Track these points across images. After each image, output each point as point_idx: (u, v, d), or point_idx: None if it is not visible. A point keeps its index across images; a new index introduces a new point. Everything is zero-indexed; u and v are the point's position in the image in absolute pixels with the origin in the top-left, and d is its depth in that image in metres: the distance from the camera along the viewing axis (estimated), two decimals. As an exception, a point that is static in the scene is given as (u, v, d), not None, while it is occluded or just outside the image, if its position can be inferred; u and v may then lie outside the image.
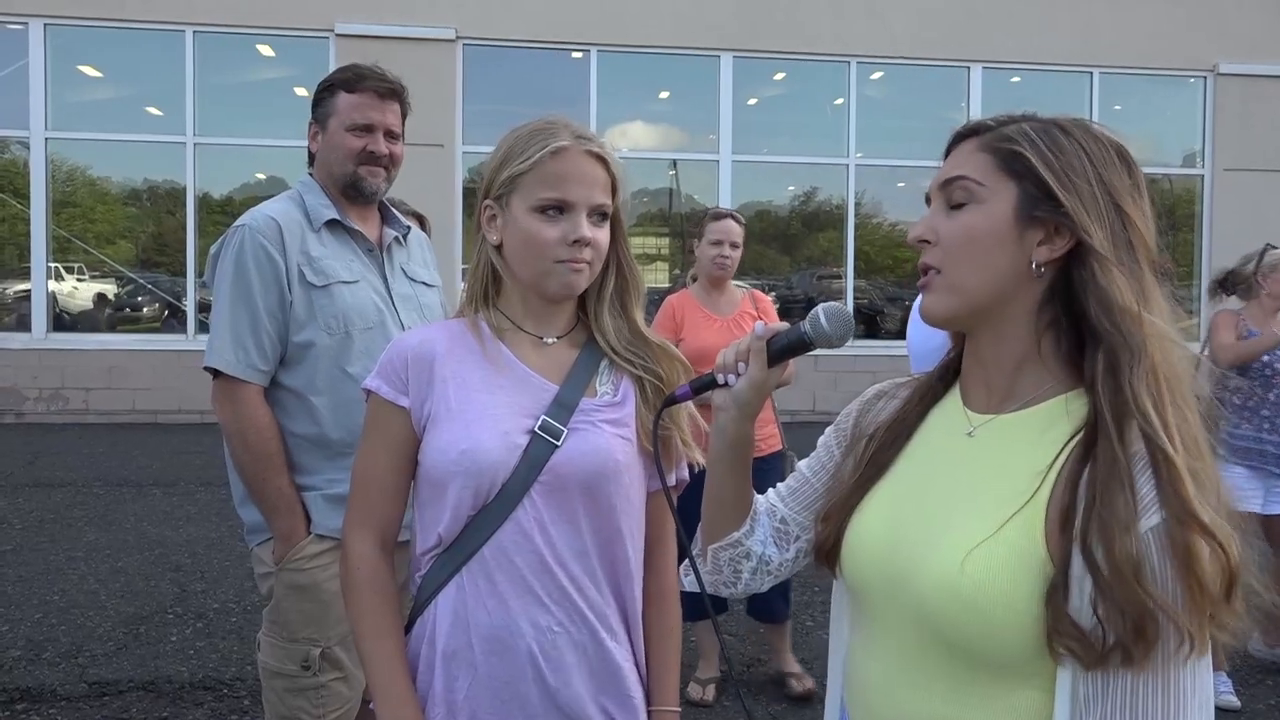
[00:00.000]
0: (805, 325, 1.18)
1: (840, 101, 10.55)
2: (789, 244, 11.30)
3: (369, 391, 1.43)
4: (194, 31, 9.56)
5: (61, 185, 9.95)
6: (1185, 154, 11.32)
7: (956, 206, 1.06)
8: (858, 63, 10.41)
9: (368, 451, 1.43)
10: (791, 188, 11.28)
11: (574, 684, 1.36)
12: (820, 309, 1.17)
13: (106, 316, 10.33)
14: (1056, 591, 0.91)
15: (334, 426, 2.09)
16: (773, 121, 10.88)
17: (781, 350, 1.18)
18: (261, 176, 10.69)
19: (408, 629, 1.42)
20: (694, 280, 3.81)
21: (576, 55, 10.12)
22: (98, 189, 10.33)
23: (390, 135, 2.25)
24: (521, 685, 1.35)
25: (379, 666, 1.36)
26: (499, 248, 1.42)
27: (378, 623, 1.39)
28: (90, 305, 10.29)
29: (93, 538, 5.56)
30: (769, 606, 3.62)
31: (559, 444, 1.36)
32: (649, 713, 1.45)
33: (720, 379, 1.21)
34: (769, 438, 3.58)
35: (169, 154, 9.78)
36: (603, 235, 1.40)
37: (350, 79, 2.24)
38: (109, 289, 10.35)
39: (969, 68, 10.53)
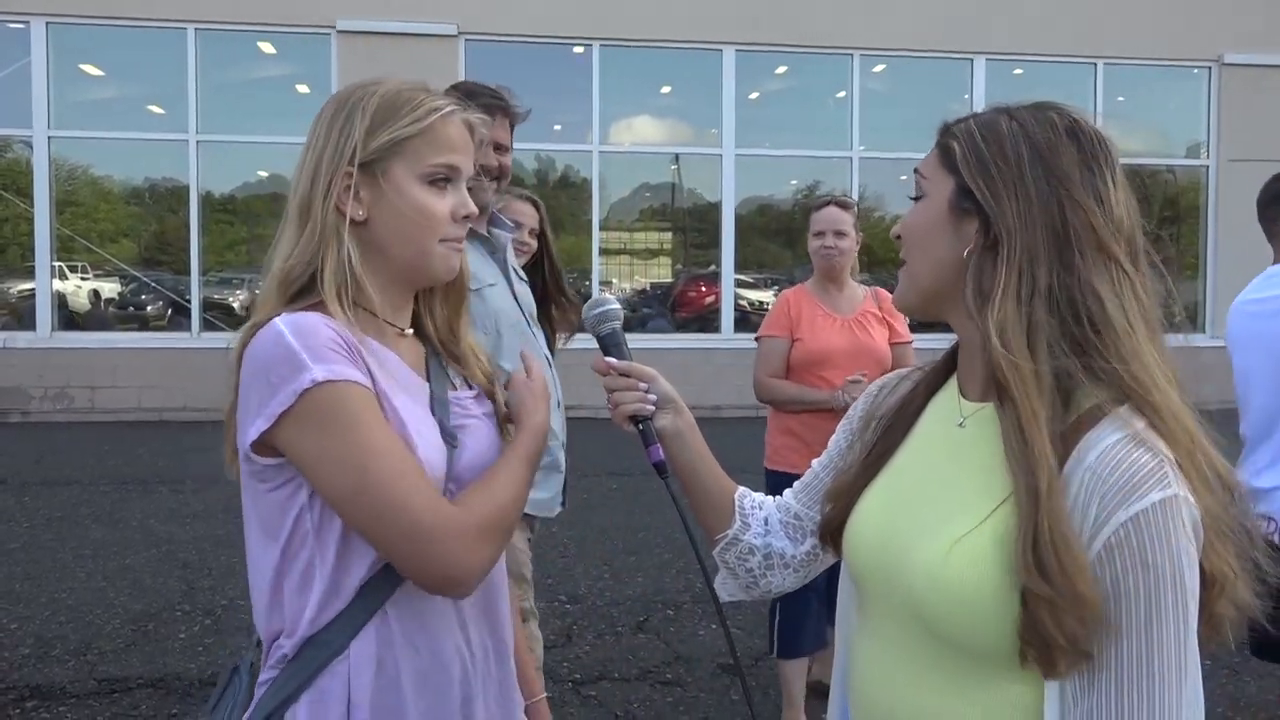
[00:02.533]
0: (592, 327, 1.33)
1: (843, 95, 10.53)
2: (792, 238, 11.29)
3: (319, 384, 1.07)
4: (196, 29, 9.56)
5: (64, 184, 9.96)
6: (1190, 145, 11.29)
7: (916, 199, 1.10)
8: (860, 55, 10.39)
9: (385, 435, 1.10)
10: (794, 181, 11.27)
11: (490, 705, 1.25)
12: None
13: (111, 315, 10.35)
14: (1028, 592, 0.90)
15: None
16: (775, 115, 10.87)
17: (613, 353, 1.30)
18: (264, 174, 10.70)
19: (298, 692, 1.13)
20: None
21: (578, 50, 10.11)
22: (100, 187, 10.34)
23: (499, 148, 2.39)
24: None
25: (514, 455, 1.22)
26: (364, 224, 1.19)
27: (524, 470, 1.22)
28: (94, 304, 10.31)
29: (100, 535, 5.57)
30: (816, 632, 3.20)
31: (456, 446, 1.20)
32: (531, 705, 1.41)
33: (640, 426, 1.27)
34: None
35: (171, 152, 9.79)
36: (476, 209, 1.30)
37: (463, 96, 2.37)
38: (113, 287, 10.37)
39: (972, 60, 10.50)
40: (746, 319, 10.80)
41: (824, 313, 3.29)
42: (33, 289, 9.60)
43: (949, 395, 1.12)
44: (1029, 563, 0.88)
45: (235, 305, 10.37)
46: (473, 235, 2.30)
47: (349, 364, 1.10)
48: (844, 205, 3.31)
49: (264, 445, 1.11)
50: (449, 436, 1.20)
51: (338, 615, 1.13)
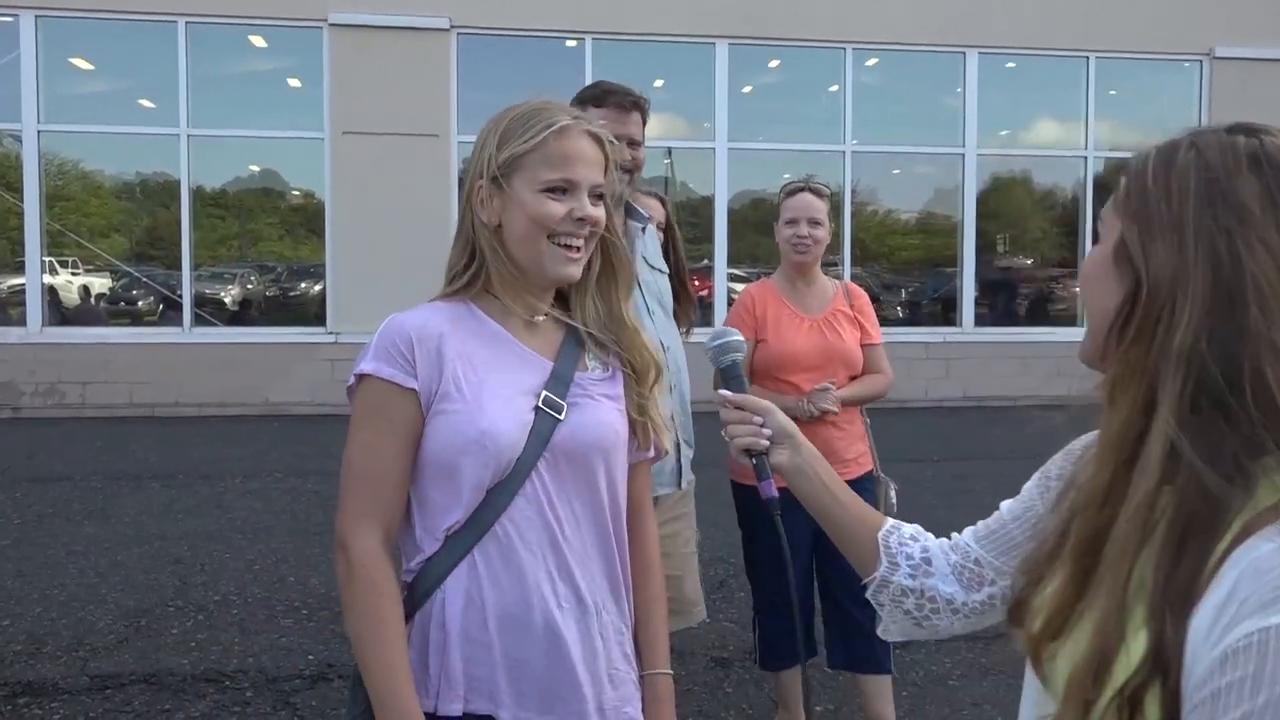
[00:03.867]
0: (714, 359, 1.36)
1: (836, 88, 10.52)
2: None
3: (363, 376, 1.37)
4: (186, 22, 9.50)
5: (54, 179, 9.90)
6: (1181, 138, 11.31)
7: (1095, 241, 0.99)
8: (853, 49, 10.38)
9: (369, 441, 1.36)
10: (788, 175, 11.17)
11: (577, 656, 1.38)
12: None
13: (102, 310, 10.31)
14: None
15: None
16: (768, 109, 10.85)
17: (732, 385, 1.31)
18: (255, 169, 10.66)
19: (408, 616, 1.38)
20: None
21: (571, 44, 10.08)
22: (91, 182, 10.29)
23: (632, 144, 2.54)
24: (533, 661, 1.36)
25: (382, 677, 1.31)
26: (497, 229, 1.40)
27: (381, 630, 1.32)
28: (85, 299, 10.26)
29: (92, 531, 5.56)
30: (866, 652, 2.95)
31: (561, 418, 1.38)
32: (641, 677, 1.48)
33: (754, 461, 1.27)
34: (859, 456, 3.06)
35: (162, 146, 9.74)
36: (602, 214, 1.42)
37: (598, 95, 2.56)
38: (104, 283, 10.33)
39: (965, 53, 10.50)
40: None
41: (791, 311, 3.04)
42: (23, 284, 9.55)
43: None
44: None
45: (227, 300, 10.34)
46: None
47: (394, 366, 1.35)
48: (819, 192, 3.06)
49: None
50: (553, 408, 1.39)
51: (433, 555, 1.37)
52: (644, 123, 2.61)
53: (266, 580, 4.77)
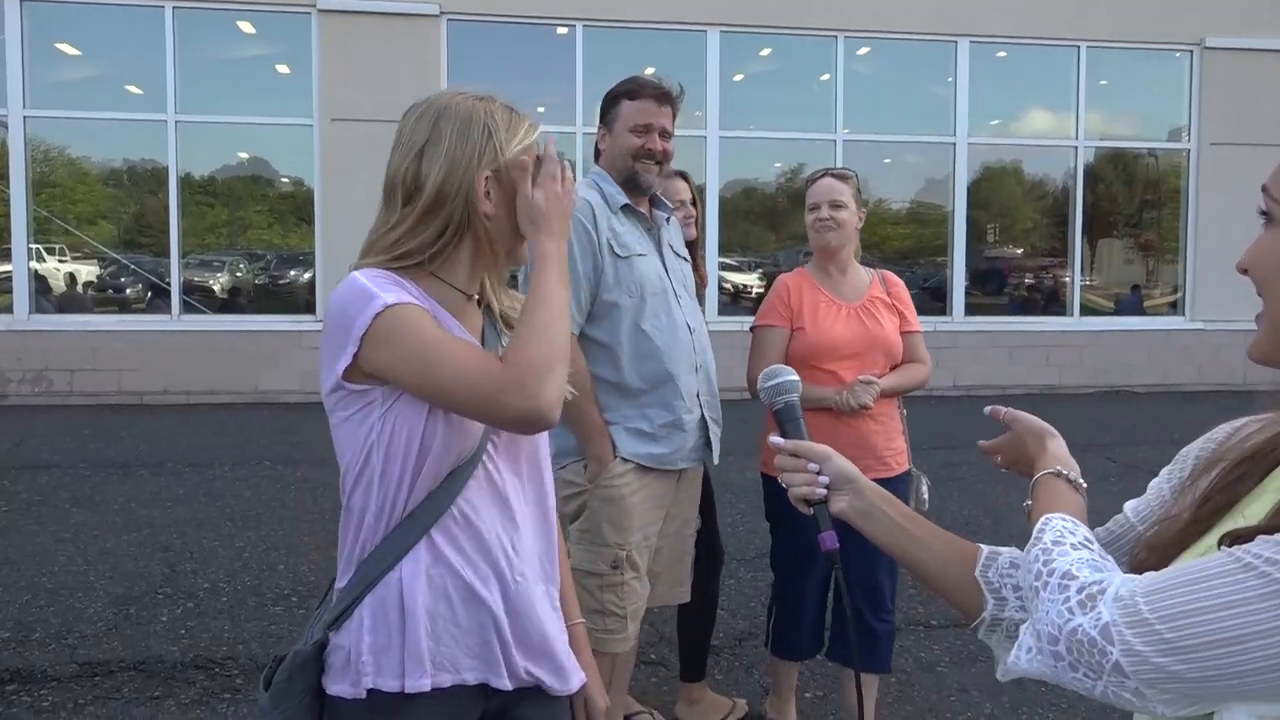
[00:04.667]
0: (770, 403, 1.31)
1: (827, 77, 10.51)
2: (776, 220, 11.29)
3: (391, 306, 1.32)
4: (173, 8, 9.43)
5: (40, 165, 9.83)
6: (1171, 129, 11.34)
7: (1265, 223, 0.89)
8: (845, 37, 10.36)
9: (456, 341, 1.34)
10: (779, 164, 11.25)
11: (531, 628, 1.46)
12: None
13: (89, 298, 10.25)
14: None
15: (631, 373, 2.59)
16: (760, 97, 10.83)
17: (791, 433, 1.25)
18: (244, 156, 10.59)
19: (350, 605, 1.39)
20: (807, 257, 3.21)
21: (562, 31, 10.04)
22: (78, 168, 10.20)
23: (664, 134, 2.69)
24: (490, 634, 1.42)
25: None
26: (489, 218, 1.44)
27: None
28: (73, 286, 10.20)
29: (80, 519, 5.54)
30: (871, 652, 2.93)
31: None
32: (572, 627, 1.61)
33: (812, 510, 1.20)
34: (897, 453, 2.99)
35: (150, 133, 9.67)
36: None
37: (633, 89, 2.71)
38: (91, 270, 10.26)
39: (956, 42, 10.49)
40: (731, 302, 10.82)
41: (828, 299, 2.98)
42: (9, 271, 9.49)
43: None
44: None
45: (216, 288, 10.29)
46: (631, 212, 2.67)
47: (408, 294, 1.36)
48: (841, 176, 3.02)
49: (355, 370, 1.35)
50: None
51: (387, 536, 1.39)
52: (674, 114, 2.74)
53: (256, 567, 4.76)
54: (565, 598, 1.61)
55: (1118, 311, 11.36)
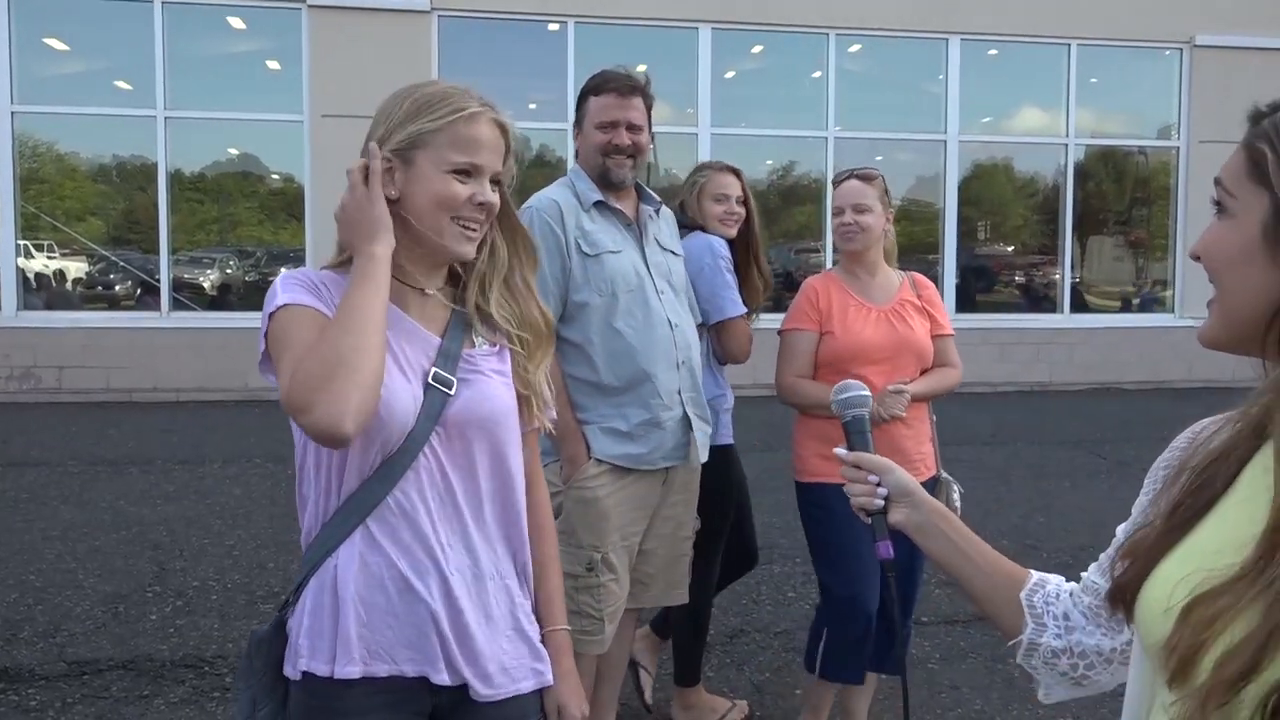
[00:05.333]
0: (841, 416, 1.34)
1: (819, 74, 10.51)
2: (767, 218, 11.15)
3: (281, 308, 1.36)
4: (163, 3, 9.36)
5: (28, 161, 9.76)
6: (1161, 126, 11.38)
7: (1222, 211, 0.92)
8: (836, 35, 10.37)
9: (303, 339, 1.33)
10: (770, 161, 11.25)
11: (473, 620, 1.44)
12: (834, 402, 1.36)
13: (78, 294, 10.19)
14: None
15: (606, 372, 2.57)
16: (751, 94, 10.83)
17: (856, 445, 1.30)
18: (234, 152, 10.55)
19: (298, 588, 1.44)
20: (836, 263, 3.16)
21: (553, 27, 10.02)
22: (66, 164, 10.14)
23: (632, 128, 2.66)
24: (427, 627, 1.41)
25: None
26: (396, 201, 1.42)
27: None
28: (61, 283, 10.14)
29: (69, 517, 5.51)
30: (894, 658, 2.92)
31: (452, 394, 1.43)
32: (543, 635, 1.56)
33: (871, 520, 1.25)
34: (925, 457, 2.93)
35: (139, 128, 9.61)
36: (498, 200, 1.48)
37: (597, 84, 2.68)
38: (80, 266, 10.20)
39: (947, 40, 10.51)
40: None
41: (856, 302, 2.91)
42: (-3, 267, 9.43)
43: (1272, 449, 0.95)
44: None
45: (205, 285, 10.25)
46: (606, 209, 2.64)
47: (313, 297, 1.38)
48: (866, 178, 2.93)
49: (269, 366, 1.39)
50: (443, 384, 1.42)
51: (327, 522, 1.41)
52: (648, 107, 2.71)
53: (246, 566, 4.75)
54: (549, 601, 1.59)
55: (1140, 309, 11.42)
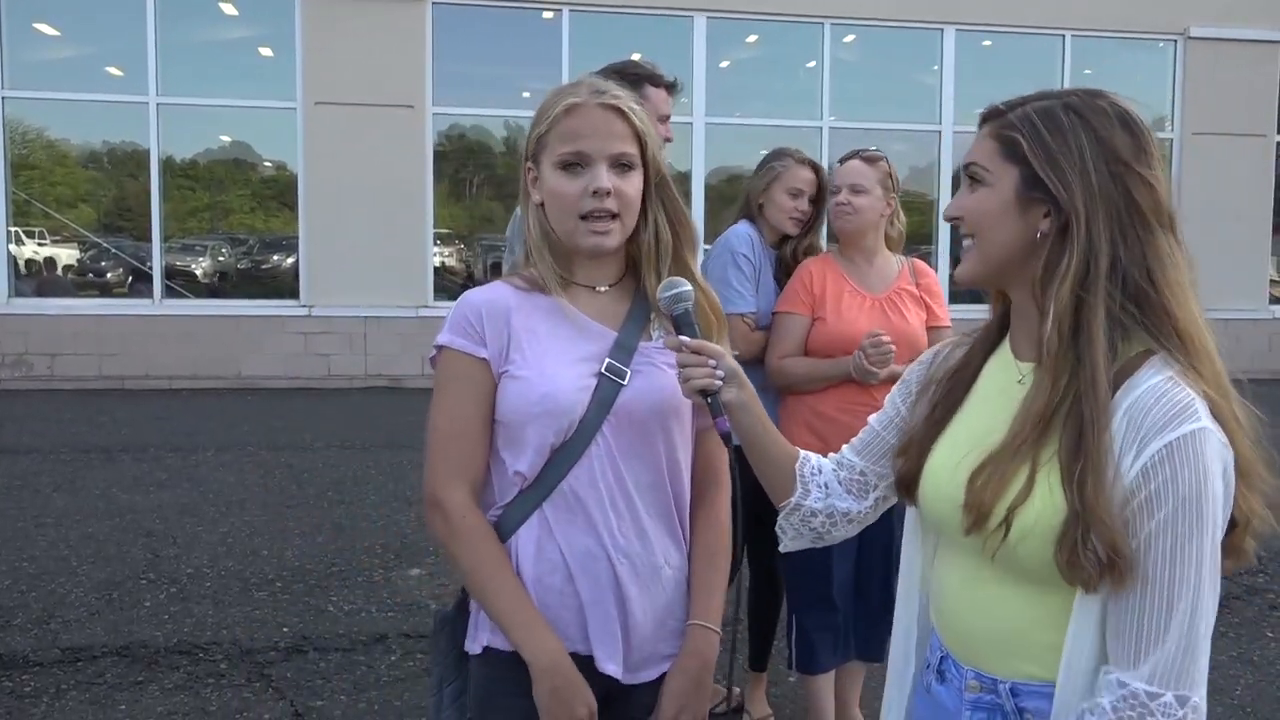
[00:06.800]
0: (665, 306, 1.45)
1: (813, 64, 10.50)
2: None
3: (441, 348, 1.49)
4: (154, -12, 9.31)
5: (19, 147, 9.71)
6: (1155, 118, 11.38)
7: (977, 183, 1.21)
8: (831, 24, 10.35)
9: (451, 405, 1.48)
10: (764, 151, 11.17)
11: (640, 608, 1.49)
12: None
13: (70, 281, 10.15)
14: (1068, 529, 1.07)
15: None
16: (745, 84, 10.81)
17: (685, 332, 1.41)
18: (226, 139, 10.50)
19: None
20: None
21: (548, 15, 9.97)
22: (57, 151, 10.09)
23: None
24: (600, 608, 1.47)
25: (511, 601, 1.44)
26: (541, 206, 1.50)
27: (496, 564, 1.46)
28: (53, 270, 10.10)
29: (62, 504, 5.51)
30: (879, 644, 2.79)
31: (624, 384, 1.47)
32: (688, 626, 1.55)
33: (709, 399, 1.38)
34: None
35: (130, 115, 9.56)
36: (628, 184, 1.46)
37: (603, 77, 2.75)
38: (72, 254, 10.16)
39: (942, 30, 10.50)
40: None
41: (852, 289, 2.84)
42: (-12, 254, 9.39)
43: (1003, 356, 1.28)
44: (1073, 484, 1.06)
45: (198, 272, 10.21)
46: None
47: (466, 338, 1.47)
48: (870, 160, 2.85)
49: None
50: (616, 374, 1.47)
51: (506, 508, 1.49)
52: (666, 98, 2.78)
53: (240, 553, 4.75)
54: (696, 598, 1.56)
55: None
